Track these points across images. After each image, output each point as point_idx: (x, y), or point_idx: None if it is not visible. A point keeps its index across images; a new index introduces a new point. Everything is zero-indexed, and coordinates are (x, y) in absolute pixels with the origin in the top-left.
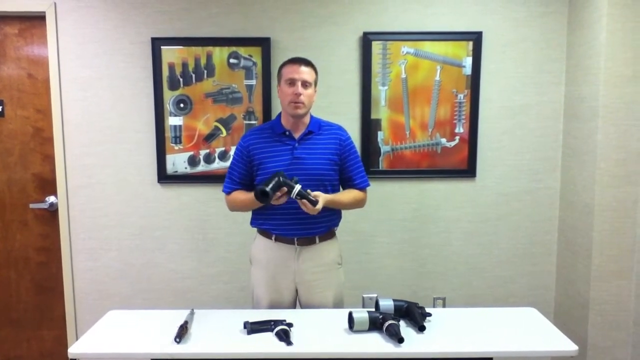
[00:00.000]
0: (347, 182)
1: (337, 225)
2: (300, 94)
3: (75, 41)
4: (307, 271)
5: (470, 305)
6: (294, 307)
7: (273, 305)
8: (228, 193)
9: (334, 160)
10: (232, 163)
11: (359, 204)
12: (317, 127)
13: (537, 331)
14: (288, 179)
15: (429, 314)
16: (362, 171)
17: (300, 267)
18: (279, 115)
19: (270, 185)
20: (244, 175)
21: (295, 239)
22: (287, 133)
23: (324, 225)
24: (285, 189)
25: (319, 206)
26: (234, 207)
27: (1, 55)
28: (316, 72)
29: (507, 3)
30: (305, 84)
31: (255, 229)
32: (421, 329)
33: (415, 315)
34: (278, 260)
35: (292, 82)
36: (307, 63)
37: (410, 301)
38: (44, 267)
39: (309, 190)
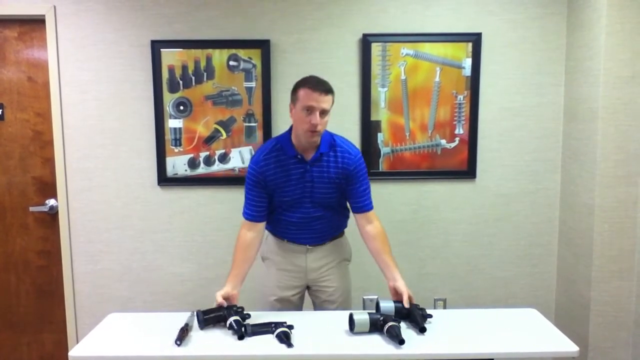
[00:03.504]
0: (350, 202)
1: (346, 226)
2: (317, 124)
3: (74, 44)
4: (317, 269)
5: (470, 307)
6: (302, 302)
7: (282, 302)
8: (248, 219)
9: (339, 183)
10: (247, 189)
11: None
12: (327, 146)
13: (538, 332)
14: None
15: (430, 315)
16: (368, 194)
17: (310, 265)
18: (289, 133)
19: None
20: (263, 198)
21: (307, 245)
22: (299, 156)
23: (334, 232)
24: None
25: (408, 295)
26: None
27: (1, 58)
28: (334, 95)
29: (506, 4)
30: (323, 113)
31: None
32: (422, 330)
33: (416, 317)
34: (289, 257)
35: (310, 111)
36: (327, 91)
37: (410, 302)
38: (44, 271)
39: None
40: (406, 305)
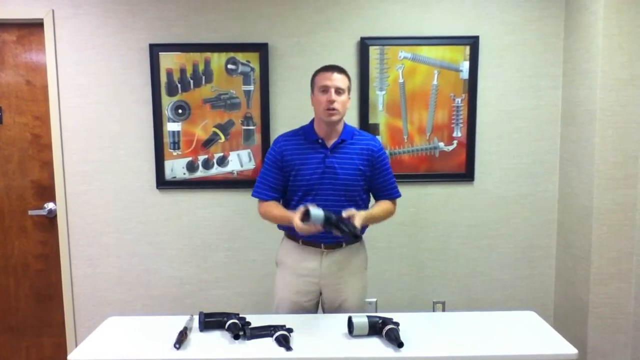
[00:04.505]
0: (377, 193)
1: (364, 232)
2: (334, 101)
3: (73, 48)
4: (332, 275)
5: (469, 309)
6: (316, 310)
7: (295, 307)
8: (262, 199)
9: (364, 170)
10: (264, 168)
11: (389, 215)
12: (349, 135)
13: (536, 334)
14: (342, 223)
15: (359, 233)
16: (394, 182)
17: (325, 270)
18: (312, 121)
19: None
20: (278, 180)
21: (322, 244)
22: (320, 141)
23: None
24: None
25: (357, 224)
26: (266, 217)
27: None
28: (350, 79)
29: (503, 7)
30: (338, 91)
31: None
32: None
33: (340, 226)
34: (304, 262)
35: (325, 90)
36: (340, 70)
37: (337, 214)
38: (42, 274)
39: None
40: (344, 214)
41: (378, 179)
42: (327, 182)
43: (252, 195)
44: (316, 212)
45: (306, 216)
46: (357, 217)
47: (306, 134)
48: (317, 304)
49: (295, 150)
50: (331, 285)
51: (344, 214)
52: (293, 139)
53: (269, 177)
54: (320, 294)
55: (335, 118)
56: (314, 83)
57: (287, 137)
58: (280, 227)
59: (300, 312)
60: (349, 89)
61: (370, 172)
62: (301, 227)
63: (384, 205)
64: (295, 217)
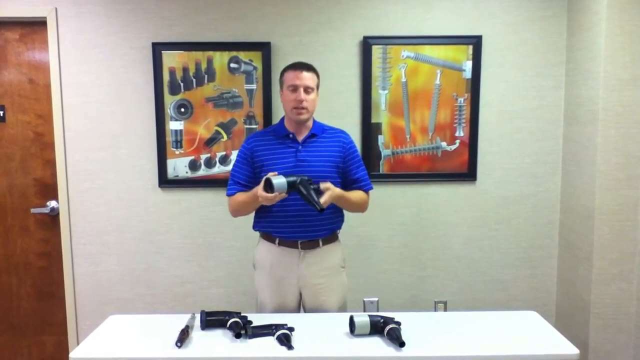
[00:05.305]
0: (351, 185)
1: (339, 227)
2: (302, 100)
3: (76, 46)
4: (311, 275)
5: (471, 309)
6: (298, 311)
7: (277, 310)
8: (230, 195)
9: (337, 162)
10: (234, 166)
11: (362, 205)
12: (320, 130)
13: (538, 335)
14: (309, 187)
15: (320, 191)
16: (366, 174)
17: (304, 271)
18: (282, 119)
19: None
20: (248, 178)
21: (299, 242)
22: (291, 136)
23: (326, 228)
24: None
25: (325, 198)
26: (234, 208)
27: (2, 60)
28: (318, 76)
29: (506, 7)
30: (307, 90)
31: (257, 234)
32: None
33: (301, 190)
34: (282, 264)
35: (294, 89)
36: (309, 68)
37: (302, 178)
38: (44, 272)
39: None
40: (321, 186)
41: (350, 172)
42: (300, 175)
43: (229, 194)
44: (278, 180)
45: (269, 187)
46: (329, 192)
47: (276, 131)
48: (299, 305)
49: (266, 146)
50: (310, 286)
51: (321, 185)
52: (264, 136)
53: (238, 174)
54: (301, 295)
55: (304, 117)
56: (283, 81)
57: (257, 135)
58: (255, 228)
59: (282, 313)
60: (318, 86)
61: (343, 164)
62: (265, 196)
63: (359, 193)
64: (258, 189)
